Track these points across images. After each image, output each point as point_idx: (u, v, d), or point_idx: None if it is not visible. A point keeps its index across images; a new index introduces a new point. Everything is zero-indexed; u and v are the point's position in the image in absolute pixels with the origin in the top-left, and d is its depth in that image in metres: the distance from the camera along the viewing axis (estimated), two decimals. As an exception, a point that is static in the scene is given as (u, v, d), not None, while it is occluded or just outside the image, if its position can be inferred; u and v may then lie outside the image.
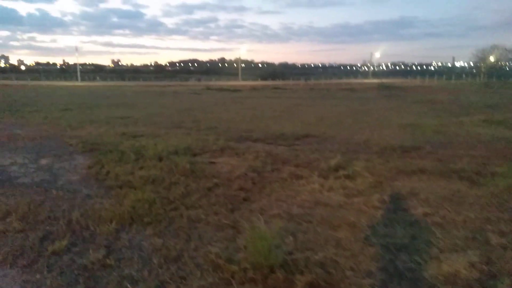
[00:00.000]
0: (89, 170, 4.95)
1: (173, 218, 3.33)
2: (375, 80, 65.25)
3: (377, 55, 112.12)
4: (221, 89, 35.78)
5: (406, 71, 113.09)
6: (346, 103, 18.83)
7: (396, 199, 3.90)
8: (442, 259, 2.53)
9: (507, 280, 2.28)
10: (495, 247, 2.76)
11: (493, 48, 57.85)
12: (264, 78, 70.29)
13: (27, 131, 8.18)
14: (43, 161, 5.52)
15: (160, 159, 5.52)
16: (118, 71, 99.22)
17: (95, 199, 3.83)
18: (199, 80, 62.41)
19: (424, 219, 3.31)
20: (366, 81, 66.03)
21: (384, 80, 56.74)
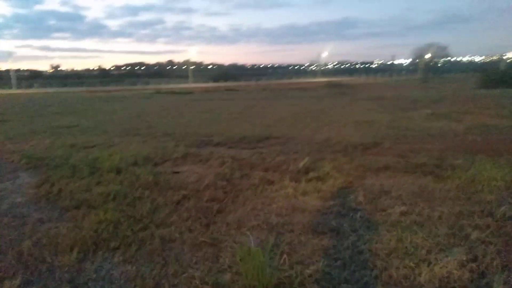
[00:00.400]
0: (37, 190, 4.40)
1: (144, 239, 3.00)
2: (324, 79, 67.44)
3: (323, 54, 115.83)
4: (172, 92, 34.81)
5: (351, 70, 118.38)
6: (299, 103, 19.10)
7: (371, 199, 3.88)
8: (432, 261, 2.49)
9: (498, 277, 2.28)
10: (477, 243, 2.79)
11: (429, 46, 62.17)
12: (215, 79, 69.63)
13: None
14: (-20, 183, 4.84)
15: (119, 172, 5.08)
16: (58, 77, 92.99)
17: (49, 223, 3.37)
18: (147, 83, 60.27)
19: (403, 218, 3.30)
20: (315, 80, 67.98)
21: (333, 79, 58.76)
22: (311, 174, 4.85)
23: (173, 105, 19.75)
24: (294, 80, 66.83)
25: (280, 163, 5.71)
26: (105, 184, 4.53)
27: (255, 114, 14.25)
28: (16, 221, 3.44)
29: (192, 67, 71.47)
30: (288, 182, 4.54)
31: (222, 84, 58.06)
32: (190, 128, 10.33)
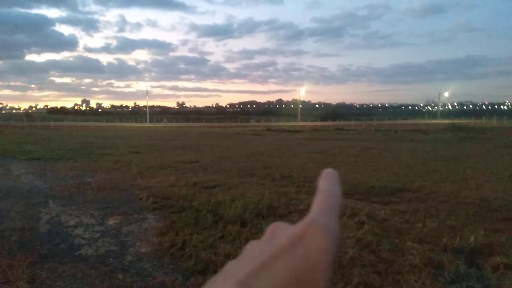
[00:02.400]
0: (161, 239, 4.07)
1: None
2: (445, 121, 60.83)
3: (443, 94, 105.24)
4: (281, 130, 35.23)
5: (474, 111, 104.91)
6: (423, 147, 16.88)
7: None
8: None
9: None
10: None
11: None
12: (323, 118, 69.00)
13: (97, 179, 7.78)
14: (111, 222, 4.79)
15: (243, 224, 4.52)
16: (183, 113, 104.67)
17: (172, 291, 2.87)
18: (259, 121, 62.99)
19: None
20: (434, 121, 61.82)
21: (456, 121, 52.43)
22: (492, 259, 3.50)
23: (284, 143, 19.51)
24: (410, 121, 61.78)
25: (434, 231, 4.45)
26: (230, 239, 3.97)
27: (374, 158, 12.84)
28: (138, 282, 3.03)
29: (300, 106, 72.42)
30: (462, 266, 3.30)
31: (330, 123, 57.05)
32: (307, 171, 9.59)
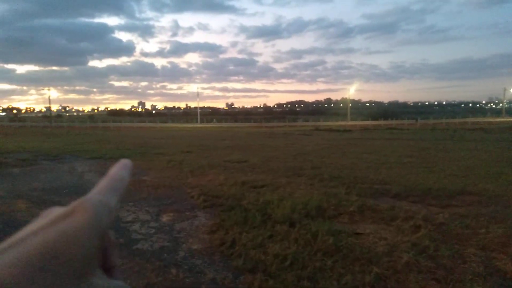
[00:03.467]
0: (212, 236, 4.17)
1: None
2: (511, 119, 55.86)
3: (509, 90, 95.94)
4: (330, 130, 34.56)
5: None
6: (485, 147, 15.62)
7: None
8: None
9: None
10: None
11: None
12: (374, 117, 66.50)
13: (152, 178, 8.16)
14: (165, 218, 4.99)
15: (292, 225, 4.48)
16: (231, 113, 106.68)
17: (222, 288, 2.91)
18: (306, 120, 62.31)
19: None
20: (498, 119, 57.02)
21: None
22: None
23: (333, 143, 19.10)
24: (471, 119, 57.49)
25: (500, 238, 4.09)
26: (278, 239, 3.96)
27: (431, 158, 12.12)
28: (190, 278, 3.12)
29: (350, 105, 70.40)
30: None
31: (382, 122, 54.86)
32: (358, 171, 9.30)
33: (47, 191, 6.80)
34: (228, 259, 3.50)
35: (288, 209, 5.11)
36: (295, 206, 5.27)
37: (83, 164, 10.51)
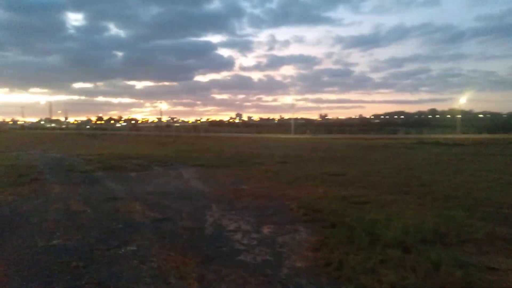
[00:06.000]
0: (316, 254, 3.92)
1: None
2: None
3: None
4: (437, 143, 31.17)
5: None
6: None
7: None
8: None
9: None
10: None
11: None
12: (491, 130, 58.09)
13: (250, 187, 8.28)
14: (265, 230, 4.92)
15: (406, 250, 3.97)
16: (325, 124, 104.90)
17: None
18: (408, 132, 57.69)
19: None
20: None
21: None
22: None
23: (442, 158, 17.09)
24: None
25: None
26: (392, 265, 3.51)
27: None
28: (297, 300, 2.91)
29: (459, 116, 62.96)
30: None
31: (501, 135, 47.64)
32: (477, 192, 8.02)
33: (158, 195, 7.37)
34: (336, 283, 3.20)
35: (399, 231, 4.57)
36: (407, 228, 4.70)
37: (188, 171, 11.25)
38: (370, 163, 14.73)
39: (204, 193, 7.69)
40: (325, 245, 4.16)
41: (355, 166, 13.40)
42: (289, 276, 3.40)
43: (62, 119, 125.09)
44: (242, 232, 4.83)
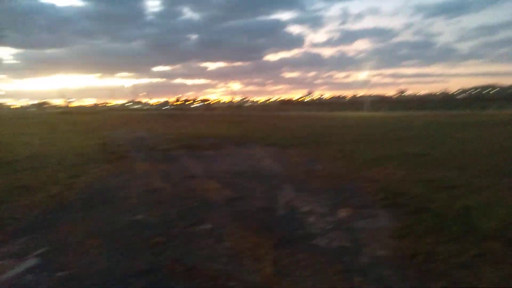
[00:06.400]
0: (399, 243, 3.59)
1: None
2: None
3: None
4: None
5: None
6: None
7: None
8: None
9: None
10: None
11: None
12: None
13: (323, 167, 8.00)
14: (341, 214, 4.67)
15: (509, 243, 3.44)
16: (403, 101, 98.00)
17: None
18: (501, 107, 51.05)
19: None
20: None
21: None
22: None
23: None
24: None
25: None
26: (492, 260, 3.06)
27: None
28: (379, 293, 2.67)
29: None
30: None
31: None
32: None
33: (232, 174, 7.49)
34: (426, 277, 2.88)
35: (500, 220, 3.99)
36: (510, 218, 4.08)
37: (260, 150, 11.29)
38: (457, 142, 13.32)
39: (276, 172, 7.63)
40: (410, 233, 3.79)
41: (439, 145, 12.21)
42: (369, 266, 3.16)
43: (145, 101, 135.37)
44: (317, 214, 4.65)
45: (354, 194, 5.65)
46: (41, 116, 51.13)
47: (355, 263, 3.22)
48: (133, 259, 3.37)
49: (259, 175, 7.34)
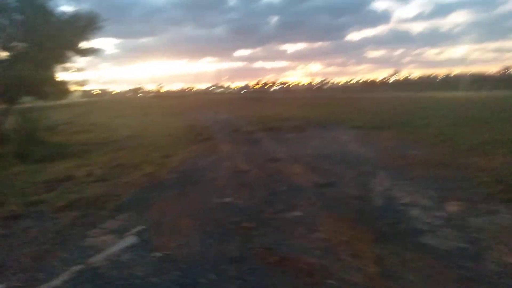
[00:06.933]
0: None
1: None
2: None
3: None
4: None
5: None
6: None
7: None
8: None
9: None
10: None
11: None
12: None
13: (421, 153, 7.17)
14: (451, 207, 4.04)
15: None
16: (509, 80, 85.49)
17: None
18: None
19: None
20: None
21: None
22: None
23: None
24: None
25: None
26: None
27: None
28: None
29: None
30: None
31: None
32: None
33: (317, 158, 7.14)
34: None
35: None
36: None
37: (346, 133, 10.68)
38: None
39: (366, 157, 7.06)
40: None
41: None
42: (499, 275, 2.60)
43: (227, 84, 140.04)
44: (421, 207, 4.08)
45: (463, 184, 4.89)
46: (136, 100, 56.12)
47: (479, 270, 2.68)
48: (224, 244, 3.29)
49: (347, 160, 6.86)
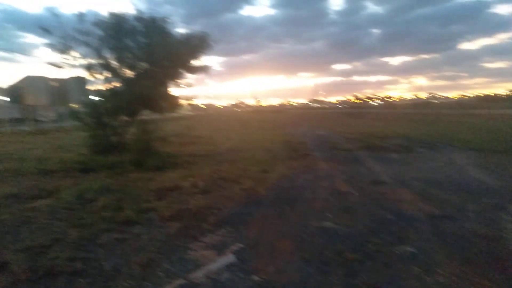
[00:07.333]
0: None
1: None
2: None
3: None
4: None
5: None
6: None
7: None
8: None
9: None
10: None
11: None
12: None
13: None
14: None
15: None
16: None
17: None
18: None
19: None
20: None
21: None
22: None
23: None
24: None
25: None
26: None
27: None
28: None
29: None
30: None
31: None
32: None
33: (428, 183, 6.37)
34: None
35: None
36: None
37: (460, 156, 9.41)
38: None
39: (489, 186, 6.05)
40: None
41: None
42: None
43: (324, 99, 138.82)
44: None
45: None
46: (236, 114, 59.15)
47: None
48: (325, 275, 3.04)
49: (466, 188, 5.96)
